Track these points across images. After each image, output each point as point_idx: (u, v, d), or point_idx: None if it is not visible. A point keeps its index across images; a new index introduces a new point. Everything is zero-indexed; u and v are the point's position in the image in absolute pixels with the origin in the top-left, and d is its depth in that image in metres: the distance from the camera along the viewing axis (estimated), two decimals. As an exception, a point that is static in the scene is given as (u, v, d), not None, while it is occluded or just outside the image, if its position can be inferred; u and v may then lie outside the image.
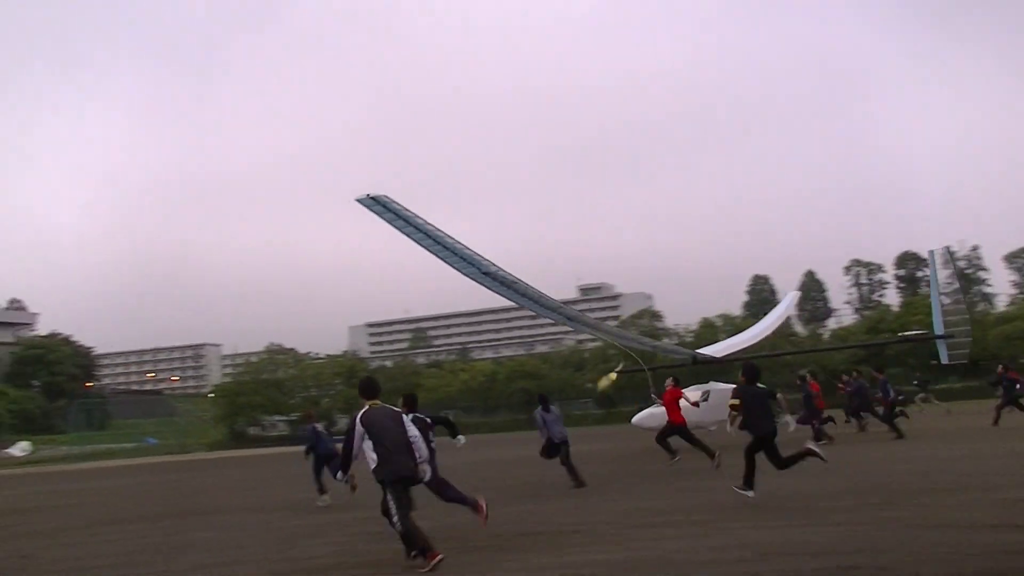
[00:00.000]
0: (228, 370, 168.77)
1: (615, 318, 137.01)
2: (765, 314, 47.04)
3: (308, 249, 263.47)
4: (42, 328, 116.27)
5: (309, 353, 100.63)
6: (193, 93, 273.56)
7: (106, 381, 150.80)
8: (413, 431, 8.99)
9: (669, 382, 19.69)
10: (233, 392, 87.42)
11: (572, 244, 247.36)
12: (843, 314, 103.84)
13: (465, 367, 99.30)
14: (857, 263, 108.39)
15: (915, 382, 40.45)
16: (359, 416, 8.81)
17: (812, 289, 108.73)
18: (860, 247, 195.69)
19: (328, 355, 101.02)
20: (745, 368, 12.78)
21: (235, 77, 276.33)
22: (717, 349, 33.82)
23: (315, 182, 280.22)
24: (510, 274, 20.69)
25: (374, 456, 8.67)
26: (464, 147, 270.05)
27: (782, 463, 12.21)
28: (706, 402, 25.93)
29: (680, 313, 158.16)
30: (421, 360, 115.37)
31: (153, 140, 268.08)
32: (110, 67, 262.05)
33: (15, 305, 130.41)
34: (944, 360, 31.45)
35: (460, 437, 13.05)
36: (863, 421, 25.98)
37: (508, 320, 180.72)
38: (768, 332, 37.69)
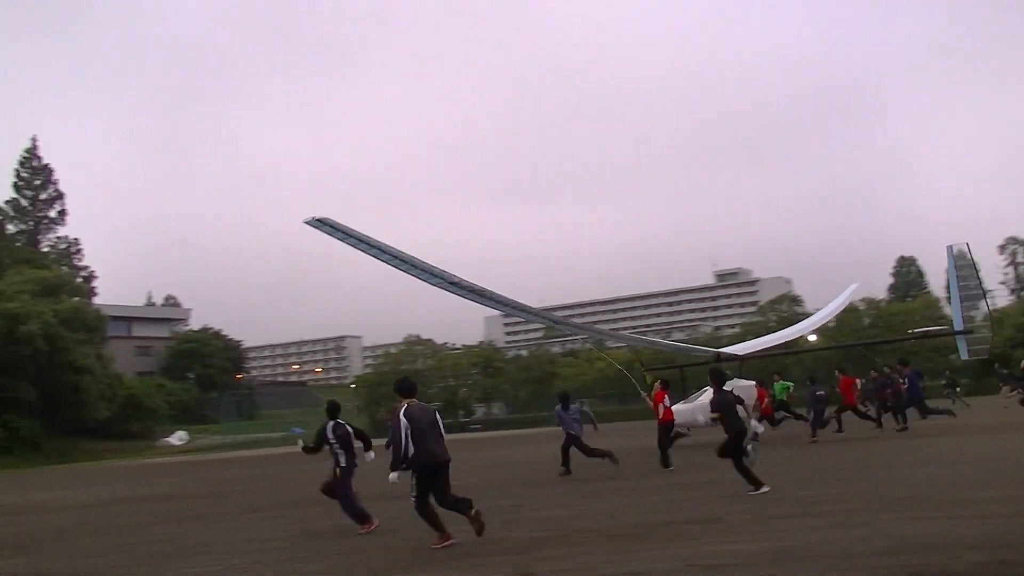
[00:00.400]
0: (368, 361, 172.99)
1: (753, 304, 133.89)
2: (911, 297, 45.70)
3: (445, 241, 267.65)
4: (195, 323, 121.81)
5: (446, 344, 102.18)
6: (335, 88, 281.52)
7: (254, 373, 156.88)
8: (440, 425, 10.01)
9: (657, 384, 20.14)
10: (373, 383, 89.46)
11: (709, 229, 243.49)
12: (998, 295, 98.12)
13: (601, 355, 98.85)
14: (1014, 241, 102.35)
15: (943, 382, 39.77)
16: (402, 411, 9.67)
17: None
18: (1016, 225, 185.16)
19: (464, 345, 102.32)
20: (712, 373, 13.83)
21: (379, 72, 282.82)
22: (741, 348, 34.72)
23: (453, 174, 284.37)
24: (476, 285, 21.56)
25: (412, 446, 9.51)
26: (601, 134, 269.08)
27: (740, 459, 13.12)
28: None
29: (821, 298, 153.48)
30: (556, 349, 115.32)
31: (298, 136, 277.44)
32: (254, 66, 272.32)
33: (170, 302, 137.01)
34: (964, 356, 31.55)
35: (370, 453, 13.03)
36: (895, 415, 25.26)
37: (645, 308, 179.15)
38: (816, 325, 37.70)
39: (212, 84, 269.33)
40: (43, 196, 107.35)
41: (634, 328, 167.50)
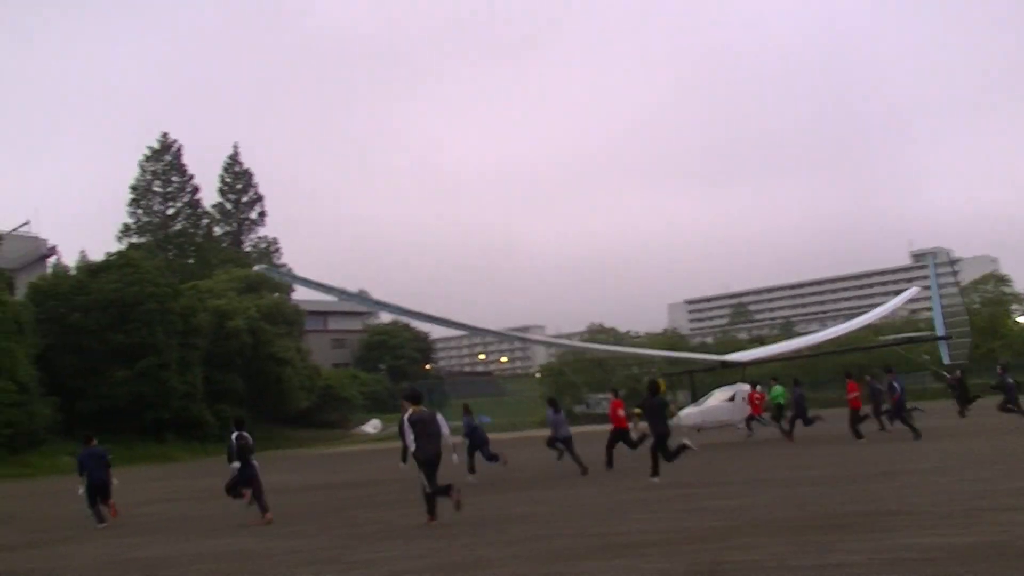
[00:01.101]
0: (552, 350, 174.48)
1: (953, 284, 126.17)
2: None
3: (629, 228, 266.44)
4: (385, 316, 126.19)
5: (629, 332, 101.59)
6: (511, 82, 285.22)
7: (442, 364, 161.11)
8: (445, 428, 12.45)
9: (611, 395, 22.28)
10: (557, 372, 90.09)
11: (905, 208, 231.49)
12: None
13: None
14: None
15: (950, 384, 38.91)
16: (407, 417, 12.41)
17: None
18: None
19: (648, 333, 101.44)
20: (649, 384, 16.85)
21: (556, 63, 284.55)
22: (746, 355, 36.30)
23: (628, 163, 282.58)
24: (432, 315, 25.83)
25: (414, 444, 12.11)
26: (777, 114, 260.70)
27: (669, 457, 15.98)
28: (733, 401, 28.88)
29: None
30: (742, 336, 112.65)
31: (481, 129, 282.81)
32: (438, 61, 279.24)
33: (362, 296, 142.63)
34: (946, 360, 32.32)
35: (234, 464, 14.90)
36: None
37: (833, 292, 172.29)
38: (862, 324, 38.01)
39: (399, 81, 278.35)
40: (245, 199, 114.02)
41: (824, 313, 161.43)
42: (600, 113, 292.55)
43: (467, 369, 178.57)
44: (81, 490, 16.77)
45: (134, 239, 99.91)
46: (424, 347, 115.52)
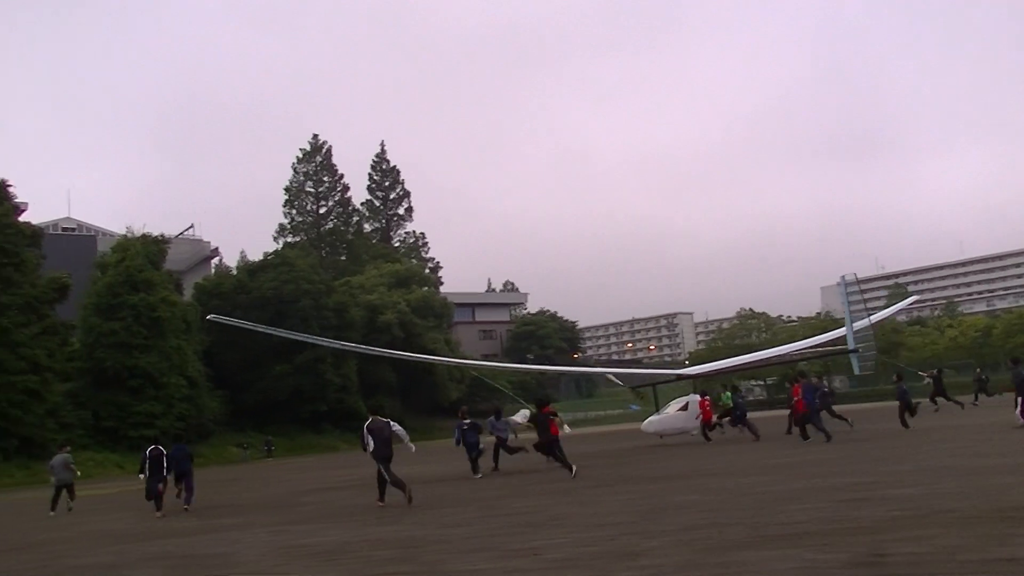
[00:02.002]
0: (701, 337, 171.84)
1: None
2: None
3: (776, 210, 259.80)
4: (532, 306, 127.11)
5: (781, 316, 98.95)
6: (651, 67, 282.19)
7: (589, 352, 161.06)
8: (401, 432, 16.51)
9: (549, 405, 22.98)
10: (707, 359, 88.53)
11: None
12: None
13: (952, 323, 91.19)
14: None
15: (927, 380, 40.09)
16: (366, 425, 16.30)
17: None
18: None
19: (800, 317, 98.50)
20: (538, 400, 20.65)
21: (690, 48, 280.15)
22: (696, 369, 40.44)
23: (775, 143, 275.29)
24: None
25: (372, 445, 15.97)
26: (938, 80, 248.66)
27: (559, 459, 19.73)
28: (685, 411, 31.46)
29: None
30: (902, 318, 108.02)
31: (620, 116, 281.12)
32: (573, 53, 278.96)
33: (508, 287, 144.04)
34: (856, 371, 36.90)
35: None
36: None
37: (1002, 268, 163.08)
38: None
39: (540, 72, 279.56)
40: (392, 196, 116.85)
41: (991, 292, 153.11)
42: (743, 93, 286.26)
43: (615, 357, 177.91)
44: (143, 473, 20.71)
45: (289, 238, 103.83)
46: (571, 336, 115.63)
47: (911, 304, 68.82)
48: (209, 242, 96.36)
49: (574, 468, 19.11)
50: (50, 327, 54.50)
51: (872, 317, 41.56)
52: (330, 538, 12.29)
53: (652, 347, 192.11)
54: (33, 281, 54.26)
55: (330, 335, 68.38)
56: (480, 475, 22.73)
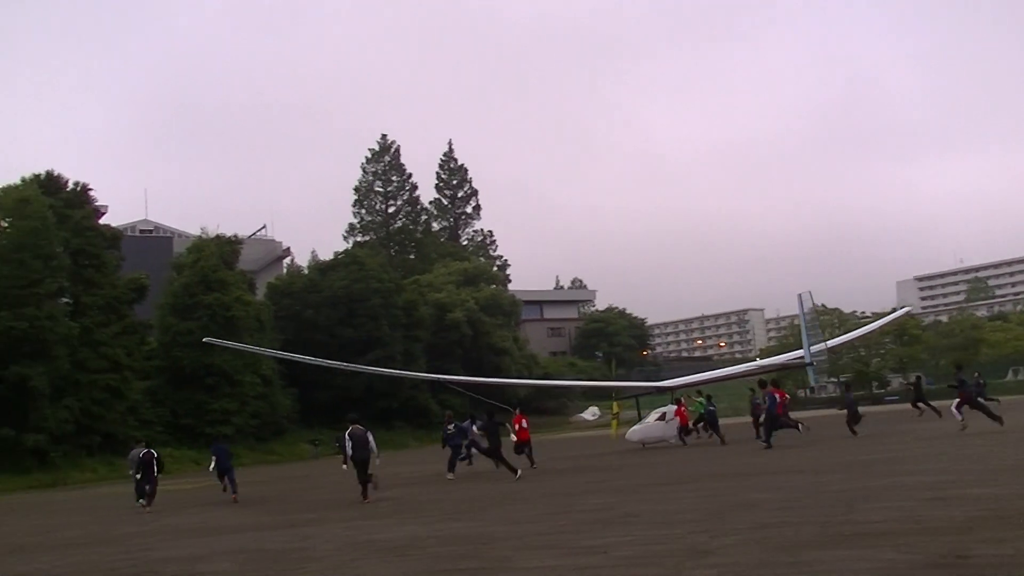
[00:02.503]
0: (772, 333, 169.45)
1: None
2: None
3: (850, 203, 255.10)
4: (600, 303, 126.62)
5: (854, 312, 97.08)
6: (723, 60, 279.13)
7: (659, 350, 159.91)
8: (372, 442, 19.15)
9: (516, 411, 26.82)
10: (779, 355, 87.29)
11: None
12: None
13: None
14: None
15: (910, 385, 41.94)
16: (347, 432, 19.34)
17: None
18: None
19: (874, 313, 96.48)
20: (487, 409, 23.76)
21: (763, 40, 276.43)
22: (674, 382, 41.73)
23: (848, 134, 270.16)
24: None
25: (351, 449, 18.90)
26: (997, 77, 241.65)
27: (505, 465, 22.23)
28: (664, 420, 34.22)
29: None
30: (981, 313, 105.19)
31: (690, 111, 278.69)
32: (641, 47, 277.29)
33: (577, 284, 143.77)
34: (812, 383, 39.95)
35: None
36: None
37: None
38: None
39: (608, 68, 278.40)
40: (460, 194, 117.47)
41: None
42: (818, 83, 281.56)
43: (684, 354, 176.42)
44: (212, 466, 23.74)
45: (359, 237, 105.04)
46: (640, 334, 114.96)
47: (902, 315, 70.52)
48: (281, 242, 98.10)
49: (519, 472, 21.53)
50: (129, 327, 55.98)
51: (863, 328, 47.21)
52: (400, 533, 12.43)
53: (722, 343, 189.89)
54: (113, 282, 55.79)
55: (400, 333, 69.08)
56: (452, 476, 24.61)
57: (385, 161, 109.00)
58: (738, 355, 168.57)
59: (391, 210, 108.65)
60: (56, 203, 52.53)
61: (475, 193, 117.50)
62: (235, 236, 66.99)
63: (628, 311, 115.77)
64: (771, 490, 13.90)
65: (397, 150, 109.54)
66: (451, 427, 25.88)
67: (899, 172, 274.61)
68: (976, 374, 35.09)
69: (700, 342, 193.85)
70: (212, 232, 65.62)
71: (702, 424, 33.96)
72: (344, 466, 19.85)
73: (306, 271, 78.20)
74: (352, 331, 67.31)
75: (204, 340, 42.00)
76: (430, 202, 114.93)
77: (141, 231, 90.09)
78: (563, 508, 14.06)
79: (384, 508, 17.24)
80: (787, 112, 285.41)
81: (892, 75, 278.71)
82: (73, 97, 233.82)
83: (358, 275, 69.26)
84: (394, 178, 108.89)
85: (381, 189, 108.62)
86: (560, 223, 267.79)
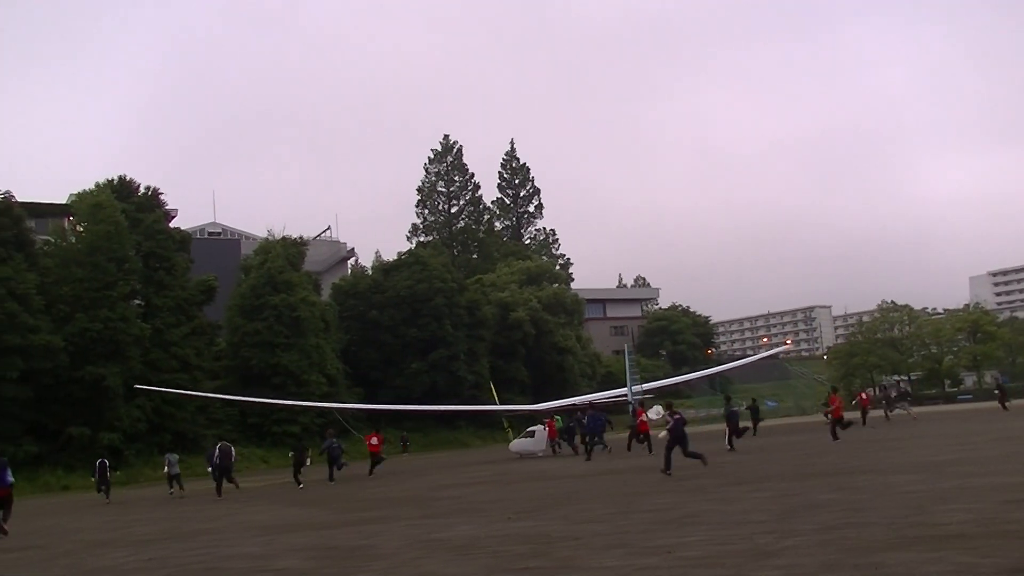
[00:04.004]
0: (840, 331, 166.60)
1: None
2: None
3: (921, 198, 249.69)
4: (664, 301, 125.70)
5: (925, 309, 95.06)
6: (789, 54, 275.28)
7: (723, 348, 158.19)
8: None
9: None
10: (847, 353, 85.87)
11: None
12: None
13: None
14: None
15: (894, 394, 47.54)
16: (217, 447, 29.42)
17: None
18: None
19: (947, 309, 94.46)
20: (323, 427, 33.17)
21: (830, 33, 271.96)
22: (649, 385, 52.07)
23: (917, 127, 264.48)
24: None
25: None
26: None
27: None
28: (533, 437, 40.80)
29: None
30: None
31: (752, 106, 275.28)
32: (704, 42, 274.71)
33: (639, 282, 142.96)
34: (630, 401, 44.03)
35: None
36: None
37: None
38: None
39: (671, 62, 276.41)
40: (522, 193, 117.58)
41: None
42: (887, 77, 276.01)
43: (750, 352, 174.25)
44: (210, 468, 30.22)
45: (422, 238, 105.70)
46: (704, 332, 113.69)
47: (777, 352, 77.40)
48: (345, 243, 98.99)
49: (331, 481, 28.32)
50: (198, 327, 57.11)
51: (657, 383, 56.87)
52: (464, 532, 12.51)
53: (788, 341, 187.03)
54: (183, 284, 56.98)
55: (463, 333, 69.37)
56: (303, 485, 28.56)
57: (448, 161, 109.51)
58: (804, 353, 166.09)
59: (454, 210, 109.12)
60: (128, 207, 53.82)
61: (537, 192, 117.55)
62: (301, 237, 67.87)
63: (692, 309, 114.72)
64: (837, 491, 13.69)
65: (460, 150, 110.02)
66: (335, 441, 32.61)
67: (971, 165, 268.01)
68: (897, 380, 36.47)
69: (766, 340, 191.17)
70: (278, 234, 66.58)
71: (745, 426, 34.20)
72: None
73: (370, 272, 78.84)
74: (416, 331, 67.79)
75: (137, 387, 46.08)
76: (492, 201, 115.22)
77: (210, 234, 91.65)
78: (625, 508, 14.02)
79: (447, 507, 17.36)
80: (857, 104, 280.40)
81: (958, 69, 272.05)
82: (144, 102, 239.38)
83: (421, 275, 69.70)
84: (456, 178, 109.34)
85: (444, 189, 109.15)
86: (623, 221, 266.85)
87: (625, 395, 44.78)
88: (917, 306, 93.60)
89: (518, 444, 41.56)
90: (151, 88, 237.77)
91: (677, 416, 21.45)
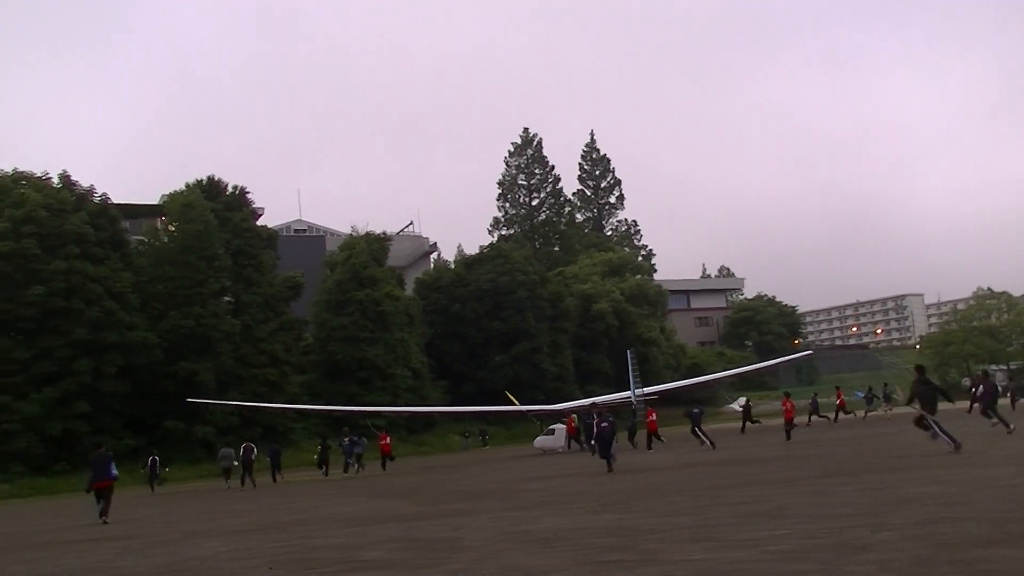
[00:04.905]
0: (933, 319, 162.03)
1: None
2: None
3: (1015, 179, 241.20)
4: (749, 292, 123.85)
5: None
6: (879, 34, 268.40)
7: (811, 338, 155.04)
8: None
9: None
10: (941, 342, 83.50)
11: None
12: None
13: None
14: None
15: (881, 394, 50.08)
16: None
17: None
18: None
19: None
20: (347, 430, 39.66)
21: (919, 11, 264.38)
22: (654, 388, 51.77)
23: (1012, 107, 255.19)
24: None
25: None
26: None
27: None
28: (554, 434, 43.21)
29: None
30: None
31: (846, 89, 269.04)
32: (792, 25, 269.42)
33: (724, 272, 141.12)
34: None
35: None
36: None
37: None
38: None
39: (756, 46, 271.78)
40: (603, 184, 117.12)
41: None
42: (981, 58, 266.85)
43: (838, 342, 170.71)
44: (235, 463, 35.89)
45: (503, 231, 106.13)
46: (791, 322, 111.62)
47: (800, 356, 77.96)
48: (428, 238, 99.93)
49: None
50: (286, 323, 58.35)
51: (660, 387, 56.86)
52: (549, 525, 12.50)
53: (879, 331, 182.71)
54: (270, 280, 58.26)
55: (546, 325, 69.45)
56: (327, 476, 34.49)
57: (528, 154, 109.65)
58: (895, 343, 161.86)
59: (535, 203, 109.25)
60: (217, 207, 55.23)
61: (618, 183, 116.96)
62: (384, 233, 68.75)
63: (778, 299, 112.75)
64: (934, 484, 13.29)
65: (539, 143, 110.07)
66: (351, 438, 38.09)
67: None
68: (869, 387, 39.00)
69: (855, 329, 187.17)
70: (362, 230, 67.58)
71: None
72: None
73: (453, 266, 79.47)
74: (499, 324, 68.11)
75: (189, 400, 45.95)
76: (573, 193, 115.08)
77: (295, 231, 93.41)
78: (712, 501, 13.84)
79: (531, 499, 17.37)
80: (952, 86, 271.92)
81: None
82: (232, 103, 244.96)
83: (504, 268, 69.97)
84: (537, 171, 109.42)
85: (524, 182, 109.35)
86: (706, 211, 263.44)
87: (629, 397, 46.23)
88: (1016, 293, 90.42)
89: (541, 440, 43.65)
90: (238, 89, 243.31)
91: (605, 424, 25.02)
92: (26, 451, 42.67)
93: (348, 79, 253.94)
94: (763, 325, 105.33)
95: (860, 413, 48.97)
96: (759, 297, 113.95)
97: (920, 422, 19.13)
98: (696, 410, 35.43)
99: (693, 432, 33.16)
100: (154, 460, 38.65)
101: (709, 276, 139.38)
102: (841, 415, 47.44)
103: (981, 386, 24.12)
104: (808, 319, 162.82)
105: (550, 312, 70.94)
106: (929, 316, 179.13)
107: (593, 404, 44.76)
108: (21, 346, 45.93)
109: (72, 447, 44.88)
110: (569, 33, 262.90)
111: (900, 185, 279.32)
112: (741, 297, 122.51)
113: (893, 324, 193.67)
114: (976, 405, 24.22)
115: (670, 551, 9.05)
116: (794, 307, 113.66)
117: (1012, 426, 22.17)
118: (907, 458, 19.02)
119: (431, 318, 69.49)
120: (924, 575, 6.82)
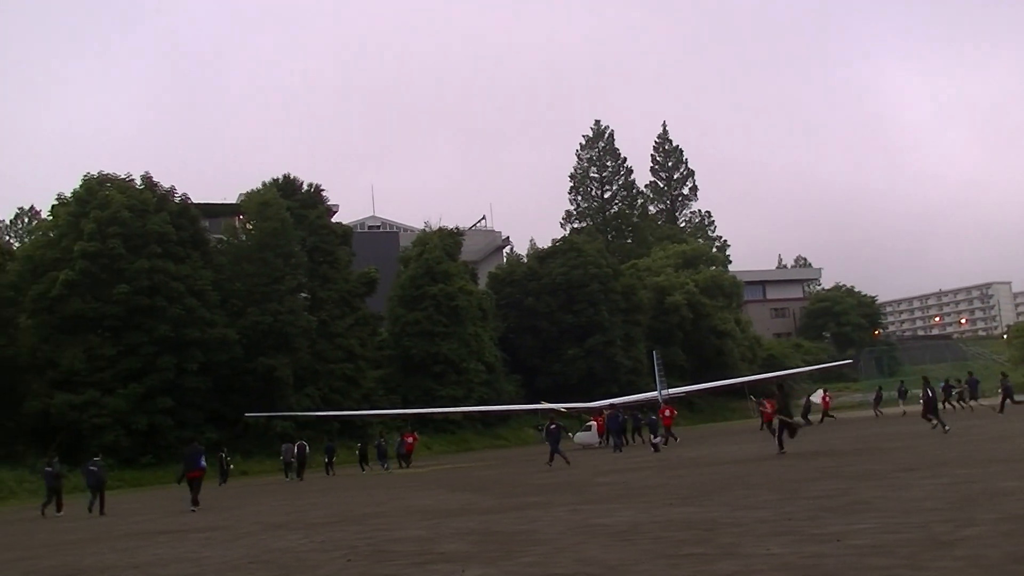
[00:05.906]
0: (1021, 308, 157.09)
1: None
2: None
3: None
4: (826, 282, 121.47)
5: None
6: (965, 13, 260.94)
7: (892, 328, 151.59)
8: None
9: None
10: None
11: None
12: None
13: None
14: None
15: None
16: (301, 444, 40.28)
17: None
18: None
19: None
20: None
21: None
22: (673, 391, 51.92)
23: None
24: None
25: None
26: None
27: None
28: (589, 431, 44.76)
29: None
30: None
31: (929, 71, 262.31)
32: (870, 7, 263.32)
33: (800, 262, 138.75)
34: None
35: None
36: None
37: None
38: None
39: (834, 29, 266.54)
40: (676, 176, 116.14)
41: None
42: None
43: (920, 333, 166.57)
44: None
45: (576, 224, 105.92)
46: (871, 312, 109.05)
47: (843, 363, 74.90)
48: (500, 232, 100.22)
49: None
50: (361, 319, 59.06)
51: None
52: (625, 518, 12.45)
53: (963, 320, 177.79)
54: (346, 277, 59.05)
55: (619, 318, 69.17)
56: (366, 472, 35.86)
57: (599, 147, 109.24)
58: (981, 332, 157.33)
59: (607, 195, 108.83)
60: (293, 204, 56.17)
61: (691, 174, 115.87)
62: (457, 228, 69.15)
63: (857, 289, 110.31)
64: (1023, 478, 12.91)
65: (611, 135, 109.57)
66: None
67: None
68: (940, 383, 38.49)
69: (938, 319, 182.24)
70: (435, 225, 68.07)
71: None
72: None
73: (525, 260, 79.54)
74: (572, 317, 68.01)
75: (246, 415, 48.12)
76: (646, 185, 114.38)
77: (369, 227, 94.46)
78: (791, 494, 13.62)
79: (608, 492, 17.33)
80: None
81: None
82: (306, 102, 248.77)
83: (576, 261, 69.83)
84: (609, 163, 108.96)
85: (596, 175, 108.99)
86: (781, 199, 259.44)
87: (655, 396, 47.58)
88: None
89: (580, 436, 45.06)
90: (312, 89, 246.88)
91: (553, 427, 30.28)
92: (114, 444, 43.93)
93: (419, 75, 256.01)
94: (841, 316, 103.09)
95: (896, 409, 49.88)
96: (837, 287, 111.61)
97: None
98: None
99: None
100: (222, 455, 39.97)
101: (785, 266, 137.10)
102: (827, 418, 48.40)
103: None
104: (889, 309, 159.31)
105: (623, 305, 70.61)
106: (1017, 304, 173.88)
107: (611, 405, 46.59)
108: (108, 343, 47.28)
109: (157, 441, 46.16)
110: (639, 23, 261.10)
111: (984, 169, 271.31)
112: (819, 287, 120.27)
113: (978, 313, 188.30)
114: None
115: (749, 545, 8.94)
116: (873, 297, 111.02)
117: None
118: (996, 450, 18.50)
119: (504, 312, 69.69)
120: (1022, 572, 6.62)
